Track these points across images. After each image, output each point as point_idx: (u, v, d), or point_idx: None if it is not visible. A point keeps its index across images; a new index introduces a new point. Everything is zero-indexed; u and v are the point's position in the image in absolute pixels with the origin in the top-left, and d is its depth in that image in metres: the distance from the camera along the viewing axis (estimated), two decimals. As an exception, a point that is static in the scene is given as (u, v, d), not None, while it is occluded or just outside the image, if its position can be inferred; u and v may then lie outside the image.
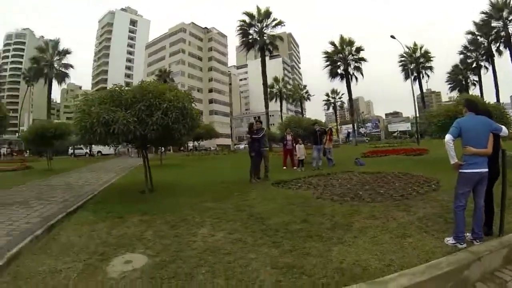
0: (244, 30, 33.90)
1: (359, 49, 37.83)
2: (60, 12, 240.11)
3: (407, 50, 39.50)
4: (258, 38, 33.53)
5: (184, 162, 19.26)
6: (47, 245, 3.71)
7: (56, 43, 37.30)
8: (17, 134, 46.34)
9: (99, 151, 37.22)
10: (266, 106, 34.39)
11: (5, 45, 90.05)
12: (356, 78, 38.29)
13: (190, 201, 5.80)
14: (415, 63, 40.93)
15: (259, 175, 8.32)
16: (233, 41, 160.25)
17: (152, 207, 5.32)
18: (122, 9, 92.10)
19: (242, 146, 56.17)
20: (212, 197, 6.05)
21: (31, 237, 3.85)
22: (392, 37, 31.41)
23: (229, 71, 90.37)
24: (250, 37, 34.09)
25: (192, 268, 2.72)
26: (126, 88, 6.53)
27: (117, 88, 6.38)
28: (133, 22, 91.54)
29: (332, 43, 38.48)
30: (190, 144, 35.22)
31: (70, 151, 37.99)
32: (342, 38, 38.02)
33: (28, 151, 37.30)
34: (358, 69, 38.18)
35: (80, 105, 6.36)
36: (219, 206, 5.25)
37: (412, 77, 36.93)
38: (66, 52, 37.31)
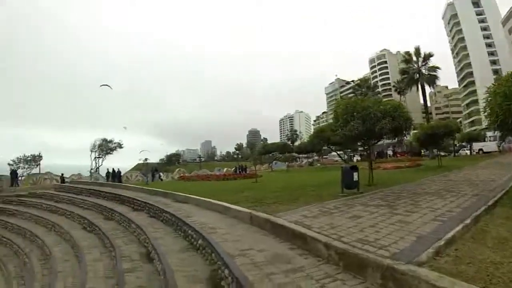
0: None
1: None
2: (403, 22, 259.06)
3: None
4: None
5: None
6: (478, 235, 3.82)
7: (417, 50, 38.84)
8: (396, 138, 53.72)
9: (480, 149, 35.57)
10: None
11: (371, 67, 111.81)
12: None
13: None
14: None
15: None
16: None
17: None
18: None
19: None
20: None
21: (462, 225, 4.07)
22: None
23: None
24: None
25: None
26: None
27: None
28: (474, 3, 76.34)
29: None
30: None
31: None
32: None
33: (421, 151, 40.82)
34: None
35: (498, 91, 6.24)
36: None
37: None
38: (429, 55, 37.79)
